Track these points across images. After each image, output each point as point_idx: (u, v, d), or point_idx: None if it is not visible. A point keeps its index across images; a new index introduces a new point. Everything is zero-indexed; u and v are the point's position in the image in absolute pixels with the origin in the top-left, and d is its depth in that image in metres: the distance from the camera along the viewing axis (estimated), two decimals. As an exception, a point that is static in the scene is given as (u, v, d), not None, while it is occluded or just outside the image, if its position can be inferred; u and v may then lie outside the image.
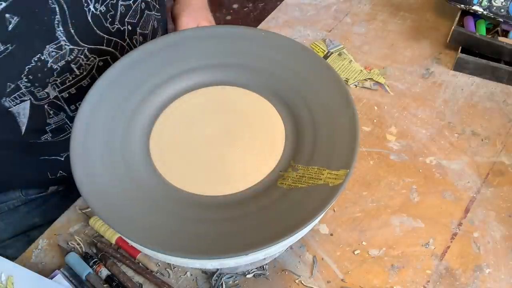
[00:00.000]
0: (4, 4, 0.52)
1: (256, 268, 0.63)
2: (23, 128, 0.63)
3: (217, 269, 0.62)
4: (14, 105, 0.60)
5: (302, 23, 0.92)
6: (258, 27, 0.91)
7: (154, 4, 0.71)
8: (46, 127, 0.65)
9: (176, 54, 0.61)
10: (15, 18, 0.54)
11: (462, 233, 0.66)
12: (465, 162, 0.73)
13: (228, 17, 2.06)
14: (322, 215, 0.51)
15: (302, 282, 0.62)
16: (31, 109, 0.62)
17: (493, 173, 0.72)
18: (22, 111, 0.61)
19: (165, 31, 0.81)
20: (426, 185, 0.71)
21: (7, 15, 0.53)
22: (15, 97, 0.59)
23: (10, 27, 0.54)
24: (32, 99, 0.61)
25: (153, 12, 0.71)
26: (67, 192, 0.79)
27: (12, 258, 0.62)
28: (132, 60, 0.59)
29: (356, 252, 0.65)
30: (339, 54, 0.87)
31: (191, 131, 0.56)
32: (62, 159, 0.71)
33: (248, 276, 0.62)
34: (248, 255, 0.48)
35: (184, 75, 0.60)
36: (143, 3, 0.68)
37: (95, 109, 0.56)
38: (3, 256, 0.60)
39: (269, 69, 0.60)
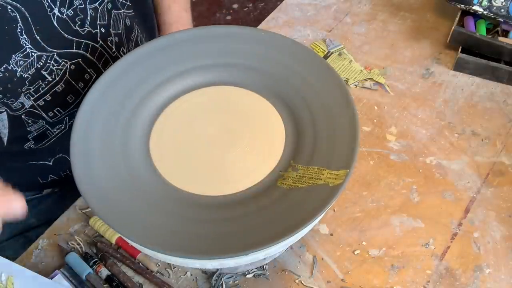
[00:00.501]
0: None
1: (256, 268, 0.63)
2: (5, 139, 0.63)
3: (217, 269, 0.62)
4: None
5: (302, 23, 0.92)
6: (258, 27, 0.91)
7: (124, 2, 0.70)
8: (28, 135, 0.65)
9: (176, 54, 0.61)
10: None
11: (462, 233, 0.66)
12: (465, 162, 0.73)
13: (228, 17, 2.06)
14: (322, 215, 0.51)
15: (302, 282, 0.62)
16: (9, 120, 0.62)
17: (493, 173, 0.72)
18: (1, 122, 0.61)
19: (149, 25, 0.80)
20: (426, 185, 0.71)
21: None
22: None
23: None
24: (8, 110, 0.61)
25: (123, 10, 0.70)
26: (63, 193, 0.78)
27: (11, 258, 0.62)
28: (132, 59, 0.59)
29: (356, 252, 0.65)
30: (339, 54, 0.87)
31: (191, 131, 0.56)
32: (51, 163, 0.71)
33: (248, 276, 0.62)
34: (248, 255, 0.48)
35: (184, 75, 0.60)
36: (109, 4, 0.66)
37: (95, 109, 0.56)
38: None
39: (269, 69, 0.60)
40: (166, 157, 0.54)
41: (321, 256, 0.64)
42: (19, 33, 0.57)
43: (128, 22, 0.72)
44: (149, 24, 0.80)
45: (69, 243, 0.65)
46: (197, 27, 0.65)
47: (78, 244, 0.65)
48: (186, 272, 0.63)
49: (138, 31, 0.75)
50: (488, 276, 0.62)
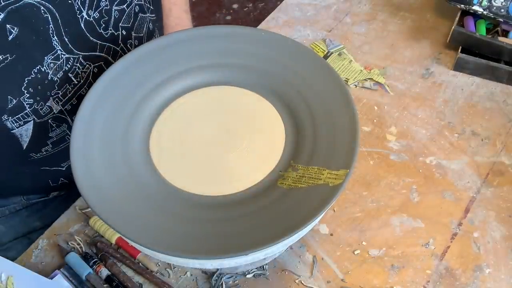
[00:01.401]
0: (3, 15, 0.52)
1: (256, 268, 0.63)
2: (25, 145, 0.63)
3: (217, 269, 0.62)
4: (17, 127, 0.60)
5: (302, 23, 0.92)
6: (258, 27, 0.91)
7: (148, 6, 0.71)
8: (48, 140, 0.65)
9: (176, 54, 0.61)
10: (16, 28, 0.53)
11: (462, 233, 0.66)
12: (465, 162, 0.73)
13: (228, 17, 2.07)
14: (322, 215, 0.51)
15: (302, 282, 0.62)
16: (34, 128, 0.62)
17: (493, 173, 0.72)
18: (25, 132, 0.61)
19: (162, 33, 0.80)
20: (426, 185, 0.71)
21: (8, 26, 0.53)
22: (18, 118, 0.59)
23: (11, 37, 0.53)
24: (35, 118, 0.61)
25: (148, 14, 0.71)
26: (68, 196, 0.78)
27: (13, 259, 0.62)
28: (132, 60, 0.59)
29: (356, 252, 0.65)
30: (339, 54, 0.87)
31: (191, 131, 0.56)
32: (63, 169, 0.71)
33: (248, 276, 0.62)
34: (248, 255, 0.48)
35: (184, 75, 0.60)
36: (137, 7, 0.67)
37: (95, 109, 0.56)
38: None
39: (269, 69, 0.60)
40: (166, 157, 0.54)
41: (321, 256, 0.64)
42: (51, 34, 0.57)
43: (151, 26, 0.72)
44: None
45: (69, 243, 0.65)
46: (197, 27, 0.65)
47: (78, 244, 0.65)
48: (186, 272, 0.63)
49: (157, 36, 0.76)
50: (488, 276, 0.62)
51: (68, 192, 0.78)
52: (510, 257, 0.64)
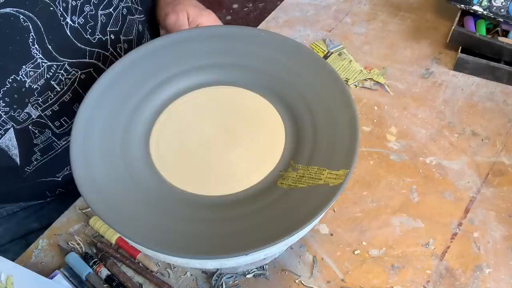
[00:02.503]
0: None
1: (256, 268, 0.63)
2: (18, 160, 0.63)
3: (217, 269, 0.62)
4: (0, 138, 0.59)
5: (302, 23, 0.92)
6: (258, 27, 0.91)
7: (136, 7, 0.69)
8: (34, 148, 0.64)
9: (176, 54, 0.61)
10: None
11: (462, 233, 0.66)
12: (465, 162, 0.73)
13: (228, 17, 2.06)
14: (322, 215, 0.51)
15: (302, 282, 0.62)
16: (16, 136, 0.61)
17: (493, 173, 0.72)
18: (9, 142, 0.61)
19: (154, 32, 0.80)
20: (426, 185, 0.71)
21: None
22: None
23: None
24: (14, 125, 0.60)
25: (136, 16, 0.69)
26: (66, 197, 0.78)
27: (11, 260, 0.62)
28: (132, 60, 0.59)
29: (356, 252, 0.65)
30: (339, 54, 0.87)
31: (191, 131, 0.56)
32: (60, 179, 0.71)
33: (248, 276, 0.62)
34: (248, 255, 0.48)
35: (184, 75, 0.60)
36: (124, 9, 0.65)
37: (95, 109, 0.56)
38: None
39: (269, 69, 0.60)
40: (166, 157, 0.54)
41: (321, 256, 0.64)
42: (30, 43, 0.56)
43: (140, 27, 0.71)
44: (157, 28, 0.80)
45: (69, 243, 0.65)
46: (197, 27, 0.65)
47: (78, 244, 0.65)
48: (186, 272, 0.63)
49: (148, 37, 0.75)
50: (488, 276, 0.62)
51: (64, 194, 0.78)
52: (510, 257, 0.64)
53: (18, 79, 0.57)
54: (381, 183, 0.71)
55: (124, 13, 0.66)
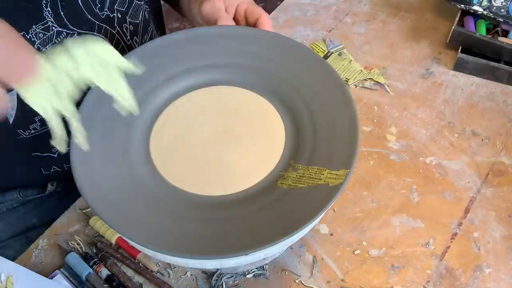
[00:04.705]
0: None
1: (256, 268, 0.63)
2: (11, 119, 0.63)
3: (217, 269, 0.62)
4: None
5: (302, 23, 0.92)
6: (258, 27, 0.91)
7: None
8: (35, 117, 0.64)
9: (176, 54, 0.61)
10: None
11: (462, 233, 0.66)
12: (465, 162, 0.73)
13: (228, 17, 2.06)
14: (322, 215, 0.51)
15: (302, 282, 0.62)
16: (19, 97, 0.61)
17: (493, 173, 0.72)
18: (11, 102, 0.60)
19: (161, 25, 0.80)
20: (426, 185, 0.71)
21: None
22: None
23: None
24: None
25: (142, 3, 0.71)
26: (65, 192, 0.78)
27: (11, 258, 0.62)
28: (132, 60, 0.59)
29: (356, 252, 0.65)
30: (339, 54, 0.87)
31: (191, 131, 0.56)
32: (55, 155, 0.71)
33: (248, 276, 0.62)
34: (248, 255, 0.48)
35: (184, 75, 0.60)
36: None
37: (95, 109, 0.56)
38: (2, 257, 0.60)
39: (269, 69, 0.60)
40: (166, 157, 0.54)
41: (321, 256, 0.64)
42: (44, 5, 0.57)
43: (146, 15, 0.72)
44: (162, 25, 0.80)
45: (69, 243, 0.65)
46: (197, 27, 0.65)
47: (78, 244, 0.65)
48: (186, 272, 0.63)
49: (153, 28, 0.75)
50: (488, 276, 0.62)
51: (64, 188, 0.78)
52: (510, 257, 0.64)
53: (28, 37, 0.57)
54: (381, 183, 0.71)
55: None
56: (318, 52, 0.87)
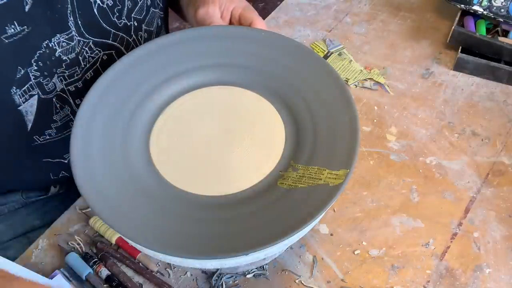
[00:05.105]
0: None
1: (256, 268, 0.63)
2: (29, 125, 0.63)
3: (217, 269, 0.62)
4: (24, 102, 0.60)
5: (302, 23, 0.92)
6: (258, 27, 0.91)
7: (158, 2, 0.71)
8: (52, 124, 0.65)
9: (176, 54, 0.61)
10: (30, 0, 0.54)
11: (462, 233, 0.66)
12: (465, 162, 0.73)
13: (228, 17, 2.06)
14: (322, 215, 0.51)
15: (302, 282, 0.62)
16: (38, 104, 0.62)
17: (493, 173, 0.72)
18: (30, 108, 0.61)
19: (167, 30, 0.81)
20: (426, 185, 0.71)
21: None
22: (24, 91, 0.59)
23: (27, 8, 0.54)
24: (40, 92, 0.61)
25: (157, 10, 0.71)
26: (68, 194, 0.79)
27: (12, 258, 0.62)
28: (132, 59, 0.59)
29: (356, 252, 0.65)
30: (339, 54, 0.87)
31: (191, 131, 0.56)
32: (66, 161, 0.71)
33: (248, 276, 0.62)
34: (248, 255, 0.48)
35: (184, 75, 0.60)
36: (148, 0, 0.67)
37: (95, 109, 0.56)
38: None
39: (269, 69, 0.60)
40: (166, 157, 0.54)
41: (321, 256, 0.64)
42: (69, 14, 0.58)
43: (159, 22, 0.73)
44: (168, 30, 0.81)
45: (69, 243, 0.65)
46: (197, 27, 0.65)
47: (78, 244, 0.65)
48: (186, 272, 0.63)
49: (164, 33, 0.76)
50: (488, 276, 0.62)
51: (67, 190, 0.78)
52: (510, 257, 0.64)
53: (51, 45, 0.58)
54: (381, 183, 0.71)
55: (148, 4, 0.68)
56: (318, 52, 0.87)
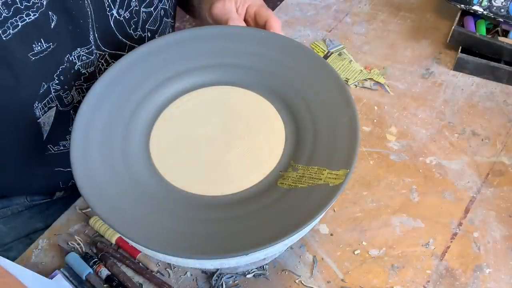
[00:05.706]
0: (46, 0, 0.53)
1: (256, 268, 0.63)
2: (45, 135, 0.64)
3: (217, 269, 0.62)
4: (43, 114, 0.60)
5: (302, 23, 0.92)
6: (258, 27, 0.91)
7: (171, 11, 0.71)
8: (67, 135, 0.66)
9: (176, 54, 0.61)
10: (55, 16, 0.54)
11: (462, 233, 0.66)
12: (465, 162, 0.73)
13: (228, 17, 2.06)
14: (322, 215, 0.51)
15: (302, 282, 0.62)
16: (55, 116, 0.62)
17: (493, 173, 0.72)
18: (47, 120, 0.62)
19: None
20: (426, 185, 0.71)
21: (50, 13, 0.54)
22: (44, 104, 0.60)
23: (52, 24, 0.54)
24: (58, 105, 0.61)
25: (170, 19, 0.72)
26: (71, 198, 0.78)
27: (13, 259, 0.62)
28: (132, 60, 0.59)
29: (356, 252, 0.65)
30: (339, 54, 0.87)
31: (191, 131, 0.56)
32: None
33: (248, 276, 0.62)
34: (248, 255, 0.48)
35: (184, 75, 0.60)
36: (162, 10, 0.68)
37: (95, 109, 0.56)
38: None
39: (269, 69, 0.60)
40: (166, 157, 0.54)
41: (321, 256, 0.64)
42: (90, 29, 0.58)
43: (170, 30, 0.74)
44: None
45: (69, 243, 0.65)
46: (197, 27, 0.65)
47: (78, 244, 0.65)
48: (186, 272, 0.63)
49: None
50: (488, 276, 0.62)
51: (71, 194, 0.78)
52: (510, 257, 0.64)
53: (71, 59, 0.59)
54: (381, 183, 0.71)
55: (162, 15, 0.68)
56: (318, 52, 0.87)
